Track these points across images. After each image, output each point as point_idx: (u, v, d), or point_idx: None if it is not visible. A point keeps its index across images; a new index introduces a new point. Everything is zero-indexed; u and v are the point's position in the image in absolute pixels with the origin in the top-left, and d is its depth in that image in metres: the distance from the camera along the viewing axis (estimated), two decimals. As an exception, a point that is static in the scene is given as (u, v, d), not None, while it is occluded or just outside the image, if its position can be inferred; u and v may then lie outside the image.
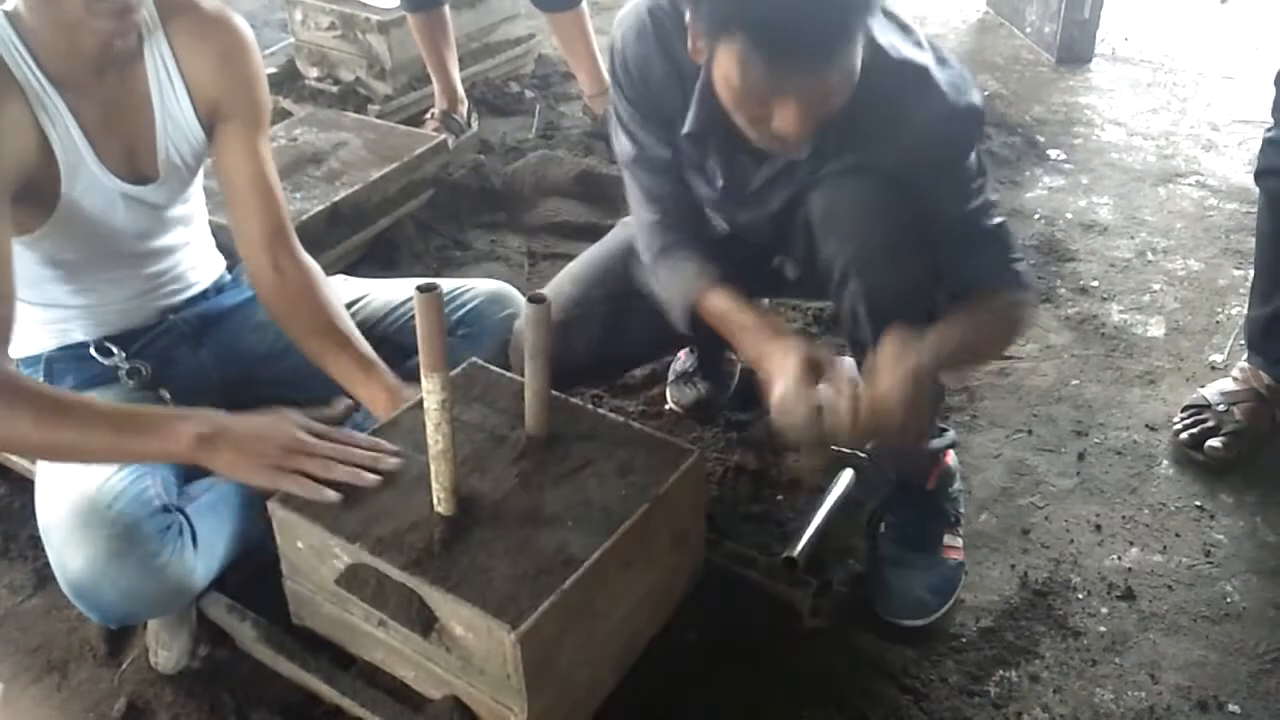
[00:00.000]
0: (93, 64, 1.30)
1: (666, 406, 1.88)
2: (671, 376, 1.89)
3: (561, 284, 1.55)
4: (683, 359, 1.89)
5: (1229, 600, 1.53)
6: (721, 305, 1.35)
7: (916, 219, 1.30)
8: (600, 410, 1.40)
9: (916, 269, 1.32)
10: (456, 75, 2.84)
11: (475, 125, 2.88)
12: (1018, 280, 1.34)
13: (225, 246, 1.60)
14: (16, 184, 1.26)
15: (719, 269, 1.38)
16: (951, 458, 1.62)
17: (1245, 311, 1.88)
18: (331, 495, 1.20)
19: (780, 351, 1.23)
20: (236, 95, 1.42)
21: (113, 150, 1.35)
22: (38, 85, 1.27)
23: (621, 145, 1.44)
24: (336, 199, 2.20)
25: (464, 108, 2.85)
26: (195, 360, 1.51)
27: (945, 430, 1.61)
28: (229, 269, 1.62)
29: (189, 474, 1.41)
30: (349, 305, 1.57)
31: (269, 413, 1.28)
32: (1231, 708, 1.37)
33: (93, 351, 1.44)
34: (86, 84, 1.31)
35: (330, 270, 1.89)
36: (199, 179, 1.52)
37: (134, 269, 1.45)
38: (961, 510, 1.61)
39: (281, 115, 2.78)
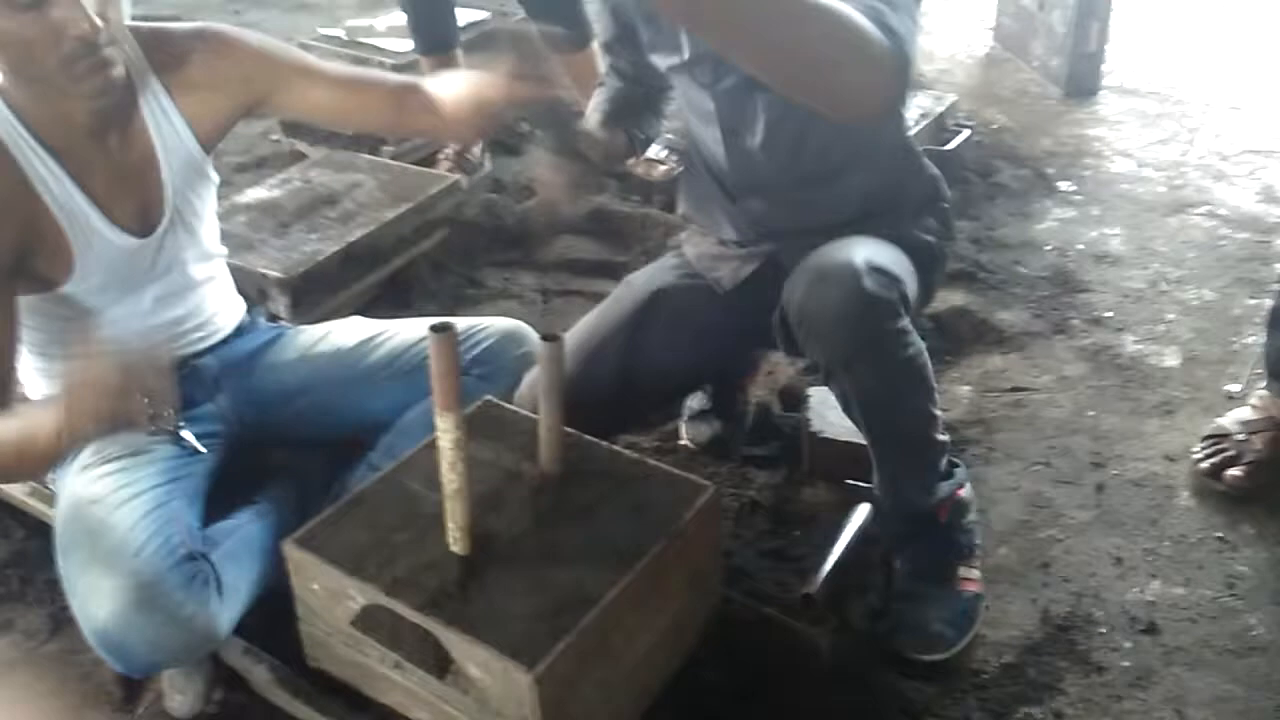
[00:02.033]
0: (89, 130, 1.32)
1: (680, 442, 1.88)
2: (686, 414, 1.89)
3: (570, 341, 1.56)
4: (698, 397, 1.89)
5: (1254, 634, 1.51)
6: None
7: (898, 307, 1.31)
8: (615, 447, 1.40)
9: (901, 366, 1.34)
10: (469, 116, 2.87)
11: (488, 165, 2.91)
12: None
13: (244, 291, 1.61)
14: (12, 257, 1.28)
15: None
16: (966, 489, 1.60)
17: (1263, 339, 1.86)
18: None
19: None
20: (257, 72, 1.44)
21: (124, 208, 1.37)
22: (35, 158, 1.29)
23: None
24: (351, 240, 2.21)
25: (477, 148, 2.88)
26: (213, 405, 1.52)
27: (956, 469, 1.58)
28: (247, 310, 1.63)
29: (210, 518, 1.41)
30: (364, 343, 1.58)
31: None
32: (1259, 743, 1.35)
33: None
34: (87, 150, 1.33)
35: (345, 311, 1.92)
36: (213, 222, 1.53)
37: (155, 319, 1.45)
38: (978, 542, 1.59)
39: (296, 158, 2.82)
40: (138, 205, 1.39)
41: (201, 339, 1.52)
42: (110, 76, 1.26)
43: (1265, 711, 1.39)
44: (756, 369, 1.97)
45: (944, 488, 1.52)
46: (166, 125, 1.40)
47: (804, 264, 1.34)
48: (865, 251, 1.32)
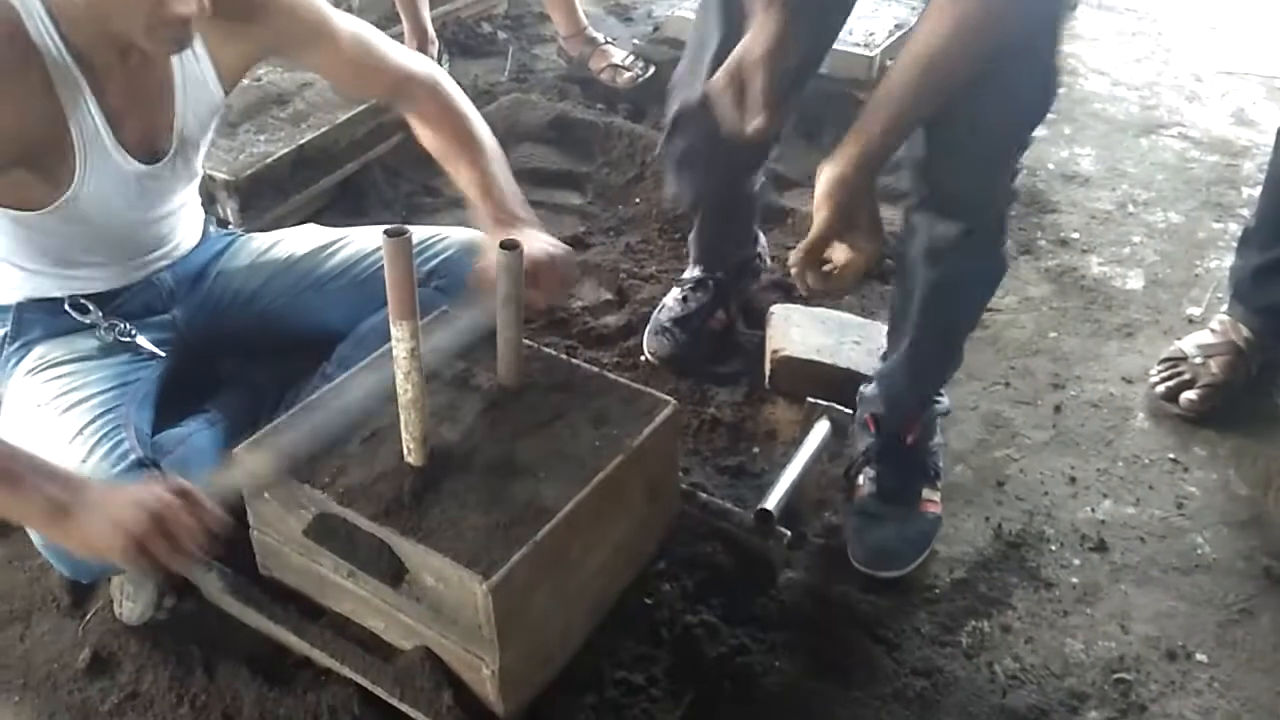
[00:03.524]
0: (119, 50, 1.26)
1: (642, 358, 1.86)
2: (649, 327, 1.87)
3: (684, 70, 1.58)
4: (664, 309, 1.86)
5: (1199, 552, 1.54)
6: None
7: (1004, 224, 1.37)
8: (574, 360, 1.38)
9: (979, 275, 1.40)
10: (426, 15, 2.76)
11: (446, 67, 2.81)
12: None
13: (203, 195, 1.57)
14: (13, 159, 1.22)
15: None
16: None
17: (1233, 260, 1.86)
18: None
19: None
20: (287, 26, 1.40)
21: (132, 131, 1.31)
22: (62, 62, 1.22)
23: None
24: (302, 141, 2.13)
25: (434, 48, 2.77)
26: (166, 316, 1.48)
27: (942, 397, 1.62)
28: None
29: (161, 427, 1.38)
30: (317, 250, 1.53)
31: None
32: (1199, 657, 1.39)
33: (67, 308, 1.40)
34: (110, 65, 1.26)
35: (295, 217, 1.85)
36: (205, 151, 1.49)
37: (130, 239, 1.42)
38: (941, 465, 1.60)
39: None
40: (145, 132, 1.33)
41: (164, 259, 1.48)
42: (186, 44, 1.23)
43: (1207, 627, 1.43)
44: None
45: (936, 409, 1.59)
46: (191, 61, 1.35)
47: (955, 129, 1.24)
48: (1013, 150, 1.32)
